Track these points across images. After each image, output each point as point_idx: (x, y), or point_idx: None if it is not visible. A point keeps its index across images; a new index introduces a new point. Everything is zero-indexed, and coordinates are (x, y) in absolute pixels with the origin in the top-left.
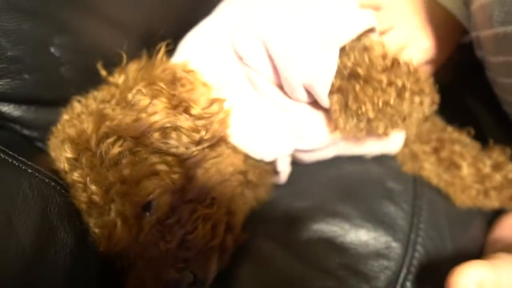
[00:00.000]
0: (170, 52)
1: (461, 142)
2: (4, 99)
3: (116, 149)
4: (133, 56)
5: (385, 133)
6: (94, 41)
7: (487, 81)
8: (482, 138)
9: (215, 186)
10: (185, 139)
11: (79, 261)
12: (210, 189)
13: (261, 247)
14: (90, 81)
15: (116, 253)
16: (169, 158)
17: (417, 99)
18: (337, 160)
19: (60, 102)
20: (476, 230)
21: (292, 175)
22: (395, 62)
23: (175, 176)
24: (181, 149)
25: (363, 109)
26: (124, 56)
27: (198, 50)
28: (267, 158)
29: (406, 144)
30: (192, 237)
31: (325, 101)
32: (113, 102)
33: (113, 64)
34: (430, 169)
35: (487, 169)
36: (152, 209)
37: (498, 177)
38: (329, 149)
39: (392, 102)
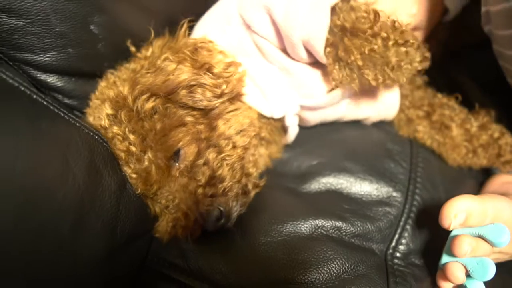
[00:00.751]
0: (190, 28)
1: (450, 107)
2: (50, 71)
3: (149, 104)
4: (158, 35)
5: (376, 82)
6: (126, 22)
7: (475, 58)
8: (469, 106)
9: (235, 133)
10: (208, 94)
11: (121, 201)
12: (230, 136)
13: (276, 196)
14: (121, 57)
15: (151, 197)
16: (195, 112)
17: (402, 49)
18: (341, 126)
19: (96, 74)
20: (467, 187)
21: (300, 139)
22: (376, 15)
23: (200, 126)
24: (205, 103)
25: (352, 58)
26: (152, 32)
27: (213, 26)
28: (277, 115)
29: (402, 110)
30: (218, 174)
31: (322, 56)
32: (144, 70)
33: (140, 43)
34: (424, 131)
35: (474, 129)
36: (181, 158)
37: (484, 136)
38: (331, 109)
39: (377, 49)
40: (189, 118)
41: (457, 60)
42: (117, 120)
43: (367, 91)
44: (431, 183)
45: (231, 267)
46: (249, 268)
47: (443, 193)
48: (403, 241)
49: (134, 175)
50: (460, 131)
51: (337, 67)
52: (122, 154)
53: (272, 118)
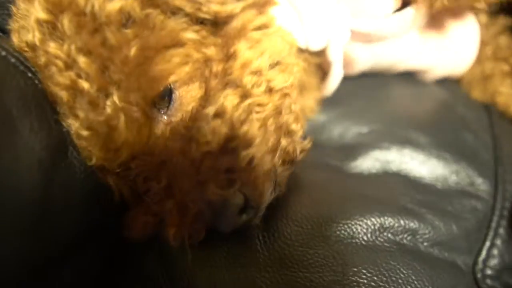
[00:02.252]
0: None
1: None
2: None
3: (116, 4)
4: None
5: None
6: None
7: None
8: None
9: (269, 65)
10: None
11: (54, 178)
12: (261, 69)
13: (314, 178)
14: None
15: (116, 172)
16: (198, 27)
17: None
18: (390, 80)
19: None
20: None
21: (340, 95)
22: None
23: (208, 51)
24: (215, 7)
25: None
26: None
27: None
28: (315, 45)
29: (478, 61)
30: (242, 133)
31: None
32: None
33: None
34: (508, 94)
35: None
36: (173, 105)
37: None
38: (392, 44)
39: None
40: (189, 35)
41: None
42: (57, 33)
43: (439, 27)
44: None
45: None
46: None
47: None
48: (495, 251)
49: (84, 132)
50: None
51: None
52: (63, 94)
53: (307, 51)
